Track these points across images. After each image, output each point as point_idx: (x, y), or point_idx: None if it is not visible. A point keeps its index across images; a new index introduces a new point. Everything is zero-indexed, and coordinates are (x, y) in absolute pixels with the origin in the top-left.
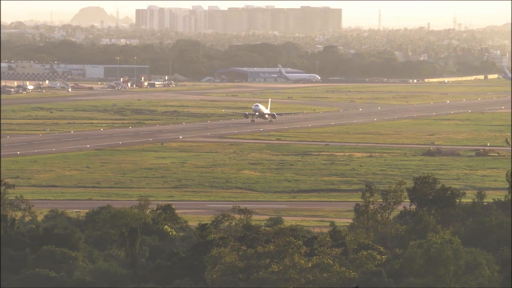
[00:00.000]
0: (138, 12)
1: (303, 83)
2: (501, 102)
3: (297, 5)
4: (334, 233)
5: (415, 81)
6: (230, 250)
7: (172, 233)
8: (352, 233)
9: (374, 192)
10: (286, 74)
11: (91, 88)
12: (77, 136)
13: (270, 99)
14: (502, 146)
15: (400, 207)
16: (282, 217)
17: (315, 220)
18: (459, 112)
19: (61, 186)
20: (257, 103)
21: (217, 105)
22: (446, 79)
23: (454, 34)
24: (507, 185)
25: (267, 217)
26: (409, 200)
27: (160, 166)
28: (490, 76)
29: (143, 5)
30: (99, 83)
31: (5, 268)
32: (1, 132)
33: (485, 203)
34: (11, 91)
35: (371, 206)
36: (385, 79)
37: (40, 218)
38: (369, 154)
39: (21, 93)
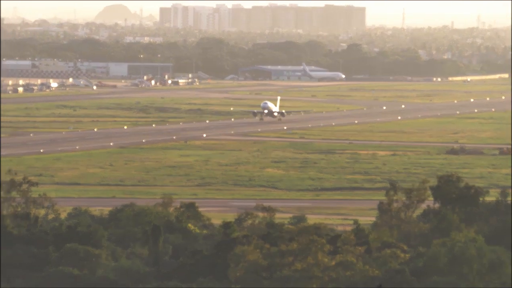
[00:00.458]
0: (162, 10)
1: (327, 81)
2: None
3: (321, 3)
4: (357, 231)
5: (438, 79)
6: (253, 248)
7: (195, 231)
8: (375, 232)
9: (397, 191)
10: (310, 73)
11: (114, 86)
12: (101, 134)
13: (279, 97)
14: None
15: (424, 206)
16: (306, 215)
17: (338, 218)
18: (483, 110)
19: (85, 184)
20: (266, 101)
21: (241, 103)
22: (469, 78)
23: (478, 32)
24: None
25: (291, 215)
26: (432, 199)
27: (183, 164)
28: None
29: (167, 3)
30: (123, 81)
31: (28, 266)
32: (24, 130)
33: (509, 202)
34: (34, 89)
35: (395, 205)
36: (409, 78)
37: (63, 216)
38: (392, 153)
39: (45, 91)
